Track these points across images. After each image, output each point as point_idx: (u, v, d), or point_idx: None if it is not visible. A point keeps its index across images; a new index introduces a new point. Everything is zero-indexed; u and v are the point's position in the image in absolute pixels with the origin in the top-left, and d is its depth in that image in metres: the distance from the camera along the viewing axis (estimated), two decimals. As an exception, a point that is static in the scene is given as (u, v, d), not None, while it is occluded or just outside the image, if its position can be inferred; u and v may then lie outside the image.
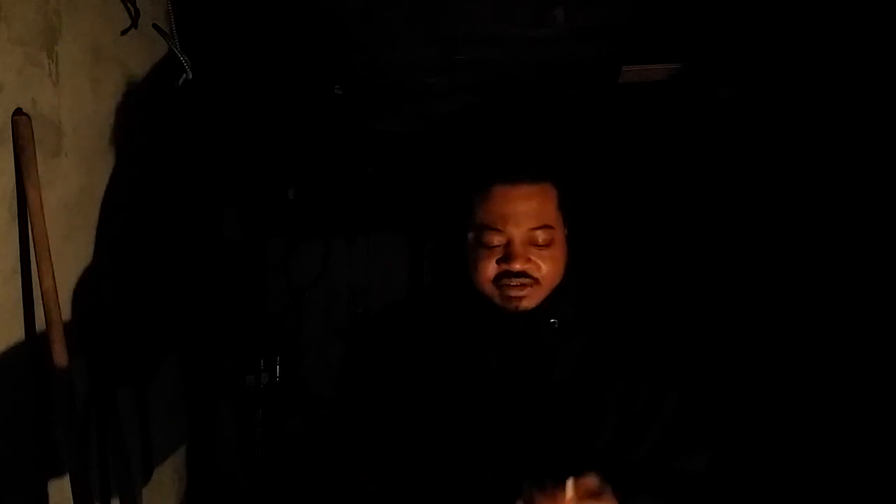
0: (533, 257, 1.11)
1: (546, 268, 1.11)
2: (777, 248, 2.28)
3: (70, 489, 1.29)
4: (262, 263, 2.94)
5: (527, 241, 1.11)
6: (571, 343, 1.11)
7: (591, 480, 0.97)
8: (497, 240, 1.11)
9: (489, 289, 1.13)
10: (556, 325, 1.13)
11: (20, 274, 1.23)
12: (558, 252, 1.13)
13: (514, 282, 1.10)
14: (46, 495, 1.32)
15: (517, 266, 1.09)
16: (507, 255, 1.10)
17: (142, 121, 1.65)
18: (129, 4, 1.55)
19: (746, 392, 2.22)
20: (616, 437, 1.10)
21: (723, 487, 1.12)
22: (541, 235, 1.11)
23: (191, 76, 1.65)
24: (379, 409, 1.19)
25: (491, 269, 1.11)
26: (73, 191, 1.39)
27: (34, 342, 1.26)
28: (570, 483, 0.97)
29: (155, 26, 1.63)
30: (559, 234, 1.14)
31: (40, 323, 1.26)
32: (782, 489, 2.07)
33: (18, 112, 1.19)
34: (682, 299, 2.47)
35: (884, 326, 1.79)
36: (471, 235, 1.14)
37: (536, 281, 1.11)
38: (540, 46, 2.16)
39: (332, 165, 2.89)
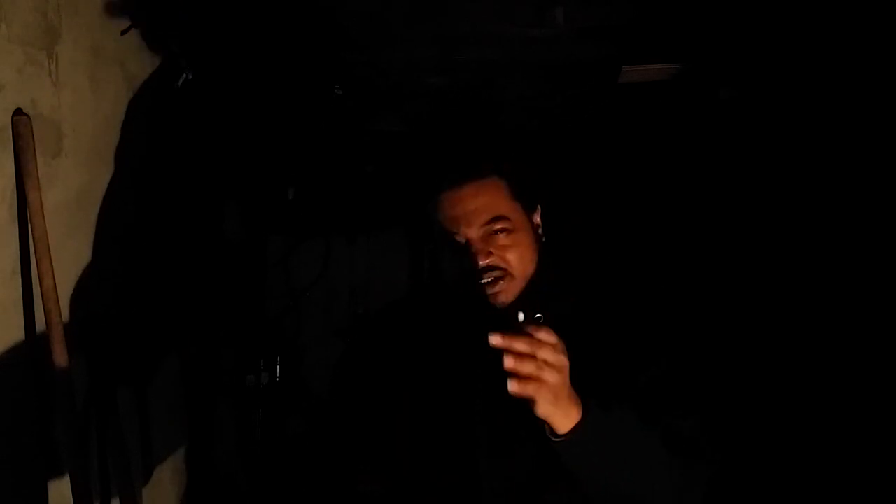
0: (494, 250, 1.12)
1: (511, 257, 1.12)
2: (776, 247, 2.28)
3: (70, 489, 1.29)
4: (263, 263, 2.94)
5: (485, 235, 1.12)
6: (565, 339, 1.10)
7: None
8: (456, 240, 1.13)
9: (469, 290, 1.14)
10: (541, 321, 1.12)
11: (20, 274, 1.24)
12: (522, 239, 1.14)
13: (485, 277, 1.11)
14: (46, 495, 1.32)
15: (481, 261, 1.11)
16: (468, 255, 1.12)
17: (142, 121, 1.65)
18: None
19: (744, 387, 2.23)
20: None
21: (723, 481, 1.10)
22: (497, 225, 1.12)
23: (191, 76, 1.64)
24: (373, 408, 1.19)
25: (459, 270, 1.13)
26: (73, 191, 1.39)
27: (34, 342, 1.26)
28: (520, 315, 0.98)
29: (155, 26, 1.63)
30: (520, 223, 1.15)
31: (40, 323, 1.26)
32: (779, 481, 2.08)
33: (18, 112, 1.19)
34: (682, 296, 2.48)
35: (879, 320, 1.80)
36: (437, 242, 1.17)
37: (506, 272, 1.12)
38: (540, 46, 2.16)
39: (332, 165, 2.89)
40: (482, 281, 1.11)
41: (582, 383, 1.02)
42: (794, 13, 1.92)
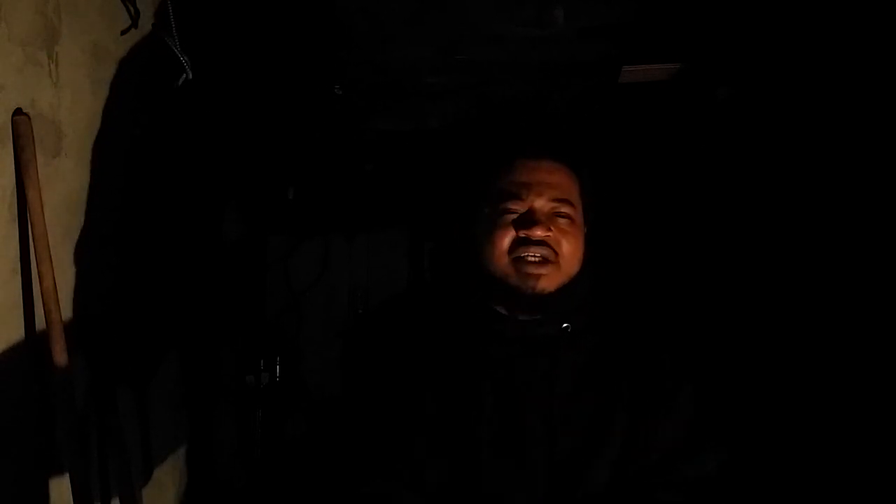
0: (554, 229, 1.03)
1: (566, 246, 1.04)
2: (777, 248, 2.28)
3: (70, 489, 1.29)
4: (262, 263, 2.94)
5: (549, 212, 1.05)
6: (578, 351, 1.06)
7: None
8: (517, 207, 1.04)
9: (504, 266, 1.04)
10: (568, 330, 1.05)
11: (20, 274, 1.23)
12: (578, 236, 1.07)
13: (533, 251, 1.02)
14: (46, 495, 1.32)
15: (538, 232, 1.02)
16: (527, 222, 1.02)
17: (142, 121, 1.65)
18: (129, 4, 1.55)
19: (754, 393, 2.22)
20: (626, 446, 1.04)
21: (732, 488, 1.09)
22: (563, 209, 1.05)
23: (191, 76, 1.64)
24: (380, 406, 1.17)
25: (508, 238, 1.04)
26: (73, 191, 1.39)
27: (34, 342, 1.26)
28: None
29: (155, 26, 1.63)
30: (579, 222, 1.08)
31: (40, 323, 1.26)
32: (787, 488, 2.08)
33: (18, 112, 1.19)
34: (685, 300, 2.47)
35: (883, 324, 1.79)
36: (487, 210, 1.07)
37: (556, 258, 1.03)
38: (540, 46, 2.16)
39: (332, 165, 2.89)
40: (529, 256, 1.02)
41: (596, 411, 0.99)
42: (793, 12, 1.92)
